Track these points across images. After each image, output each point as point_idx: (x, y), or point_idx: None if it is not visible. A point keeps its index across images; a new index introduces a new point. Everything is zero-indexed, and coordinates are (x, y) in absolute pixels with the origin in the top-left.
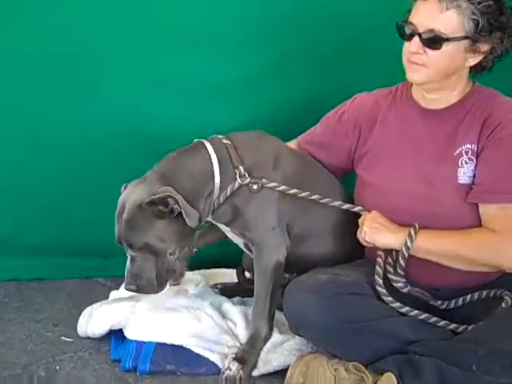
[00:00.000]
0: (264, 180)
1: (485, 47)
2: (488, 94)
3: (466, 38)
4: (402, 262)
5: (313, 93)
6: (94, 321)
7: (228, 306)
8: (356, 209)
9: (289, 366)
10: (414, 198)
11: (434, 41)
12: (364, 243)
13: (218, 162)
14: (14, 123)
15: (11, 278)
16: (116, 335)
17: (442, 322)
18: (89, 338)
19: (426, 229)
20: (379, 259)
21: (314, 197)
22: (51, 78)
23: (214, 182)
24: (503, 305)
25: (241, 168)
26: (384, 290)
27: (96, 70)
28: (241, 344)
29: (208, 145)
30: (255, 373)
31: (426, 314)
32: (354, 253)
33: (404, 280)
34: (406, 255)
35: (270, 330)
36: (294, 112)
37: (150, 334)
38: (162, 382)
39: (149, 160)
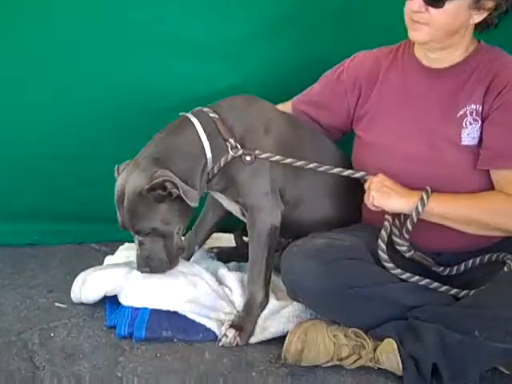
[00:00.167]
0: (257, 151)
1: (490, 3)
2: (494, 53)
3: None
4: (409, 226)
5: (306, 55)
6: (88, 287)
7: (224, 271)
8: (358, 174)
9: (287, 333)
10: (415, 159)
11: None
12: (372, 208)
13: (207, 137)
14: (10, 89)
15: (3, 244)
16: (111, 301)
17: (443, 288)
18: (83, 304)
19: (438, 193)
20: (386, 223)
21: (311, 165)
22: (49, 46)
23: (205, 157)
24: (505, 269)
25: (231, 140)
26: (386, 256)
27: (94, 31)
28: (237, 311)
29: (195, 120)
30: (252, 340)
31: (427, 280)
32: (350, 217)
33: (408, 244)
34: (415, 220)
35: (266, 295)
36: (286, 75)
37: (144, 300)
38: (159, 348)
39: (143, 120)
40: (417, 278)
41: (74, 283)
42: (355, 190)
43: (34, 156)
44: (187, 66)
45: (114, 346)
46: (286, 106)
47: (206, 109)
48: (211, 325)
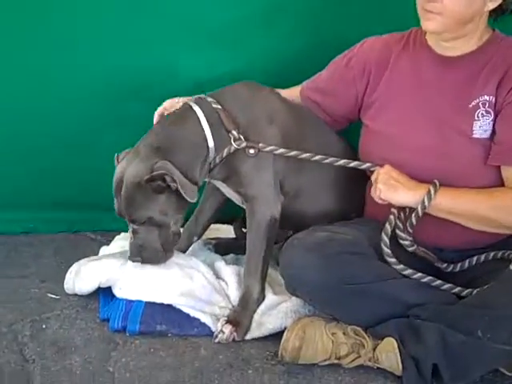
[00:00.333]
0: (261, 145)
1: None
2: (509, 42)
3: None
4: (414, 220)
5: (308, 40)
6: (82, 278)
7: (221, 264)
8: (365, 166)
9: (285, 329)
10: (424, 150)
11: None
12: (379, 201)
13: (210, 127)
14: (6, 78)
15: None
16: (105, 293)
17: (446, 285)
18: (76, 295)
19: (445, 186)
20: (391, 216)
21: (316, 157)
22: (47, 35)
23: (208, 148)
24: (511, 267)
25: (234, 132)
26: (389, 250)
27: (92, 19)
28: (233, 306)
29: (198, 110)
30: (249, 336)
31: (430, 277)
32: (352, 210)
33: (411, 238)
34: (421, 214)
35: (262, 290)
36: (288, 60)
37: (139, 293)
38: (152, 343)
39: (142, 107)
40: (419, 274)
41: (68, 274)
42: (358, 182)
43: (30, 144)
44: (186, 52)
45: (107, 339)
46: (293, 91)
47: (209, 99)
48: (206, 319)
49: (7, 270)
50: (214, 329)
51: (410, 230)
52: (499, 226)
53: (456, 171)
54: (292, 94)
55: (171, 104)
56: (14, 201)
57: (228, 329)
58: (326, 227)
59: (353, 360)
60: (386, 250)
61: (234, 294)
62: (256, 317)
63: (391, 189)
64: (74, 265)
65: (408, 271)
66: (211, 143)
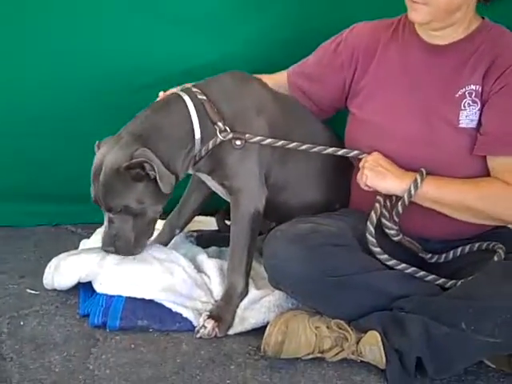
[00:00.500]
0: (248, 135)
1: None
2: (498, 31)
3: None
4: (400, 208)
5: (294, 28)
6: (61, 273)
7: (203, 258)
8: (353, 153)
9: (267, 323)
10: (410, 139)
11: None
12: (365, 188)
13: (198, 118)
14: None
15: None
16: (85, 288)
17: (430, 277)
18: (55, 290)
19: (433, 175)
20: (377, 205)
21: (304, 146)
22: (31, 25)
23: (194, 138)
24: (495, 258)
25: (220, 124)
26: (374, 240)
27: (70, 8)
28: (215, 300)
29: (186, 98)
30: (231, 331)
31: (414, 268)
32: (338, 201)
33: (397, 227)
34: (407, 202)
35: (246, 285)
36: (274, 48)
37: (119, 288)
38: (133, 339)
39: (124, 97)
40: (403, 265)
41: (47, 269)
42: (343, 173)
43: (7, 134)
44: (171, 40)
45: (87, 335)
46: (279, 77)
47: (194, 89)
48: (188, 314)
49: None
50: (195, 324)
51: (396, 219)
52: (486, 217)
53: (442, 160)
54: (277, 79)
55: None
56: None
57: (210, 324)
58: (310, 218)
59: (336, 354)
60: (371, 239)
61: (217, 289)
62: (239, 312)
63: (378, 176)
64: (53, 259)
65: (392, 262)
66: (198, 135)
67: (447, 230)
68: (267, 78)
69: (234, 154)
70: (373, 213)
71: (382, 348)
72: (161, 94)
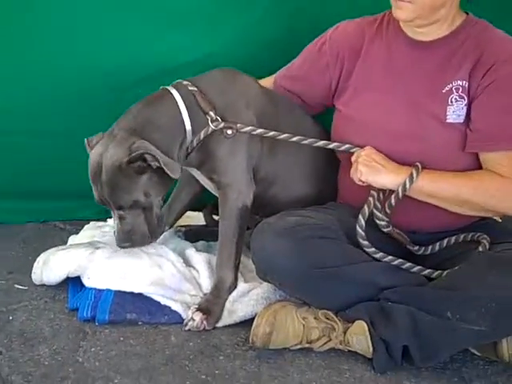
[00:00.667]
0: (239, 125)
1: None
2: (482, 26)
3: None
4: (393, 201)
5: (282, 25)
6: (50, 267)
7: (191, 252)
8: (344, 147)
9: (256, 315)
10: (398, 135)
11: None
12: (358, 183)
13: (187, 109)
14: None
15: None
16: (74, 283)
17: (416, 268)
18: (44, 285)
19: (428, 170)
20: (371, 199)
21: (294, 138)
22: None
23: (185, 130)
24: (480, 248)
25: (211, 113)
26: (363, 233)
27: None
28: (204, 294)
29: (174, 91)
30: (220, 324)
31: (400, 260)
32: (327, 195)
33: (388, 219)
34: (401, 196)
35: (235, 279)
36: (261, 45)
37: (108, 282)
38: (122, 332)
39: (110, 94)
40: (390, 257)
41: (35, 264)
42: (332, 167)
43: None
44: (157, 37)
45: (76, 329)
46: (267, 82)
47: (185, 82)
48: (176, 307)
49: None
50: (184, 316)
51: (388, 211)
52: (481, 209)
53: (431, 155)
54: (265, 84)
55: None
56: None
57: (198, 316)
58: (297, 211)
59: (324, 344)
60: (361, 232)
61: (206, 282)
62: (227, 305)
63: (373, 171)
64: (41, 254)
65: (379, 254)
66: (188, 125)
67: (435, 222)
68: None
69: (223, 146)
70: (366, 206)
71: (369, 337)
72: None
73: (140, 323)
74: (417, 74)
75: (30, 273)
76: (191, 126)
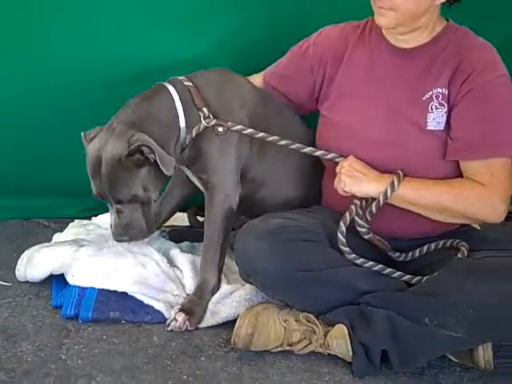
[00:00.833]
0: (230, 123)
1: None
2: (462, 33)
3: None
4: (374, 208)
5: (273, 24)
6: (34, 264)
7: (176, 252)
8: (330, 156)
9: (238, 317)
10: (380, 142)
11: None
12: (342, 193)
13: (182, 105)
14: None
15: None
16: (58, 280)
17: (397, 273)
18: (28, 282)
19: (410, 177)
20: (353, 207)
21: (283, 142)
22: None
23: (179, 126)
24: (459, 255)
25: (205, 110)
26: (344, 240)
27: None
28: (187, 294)
29: (170, 87)
30: (202, 324)
31: (381, 265)
32: (313, 198)
33: (369, 226)
34: (382, 204)
35: (219, 281)
36: (253, 44)
37: (92, 280)
38: (106, 330)
39: (101, 91)
40: (371, 263)
41: (19, 260)
42: (317, 171)
43: None
44: (150, 35)
45: (59, 327)
46: (257, 78)
47: (181, 77)
48: (159, 306)
49: None
50: (167, 316)
51: (369, 218)
52: (461, 217)
53: (411, 162)
54: (255, 80)
55: None
56: None
57: (181, 317)
58: (281, 214)
59: (304, 346)
60: (342, 239)
61: (189, 283)
62: (210, 306)
63: (355, 181)
64: (25, 251)
65: (360, 260)
66: (182, 122)
67: (416, 229)
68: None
69: (213, 146)
70: (347, 213)
71: (348, 341)
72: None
73: (123, 322)
74: (398, 81)
75: (14, 269)
76: (185, 122)
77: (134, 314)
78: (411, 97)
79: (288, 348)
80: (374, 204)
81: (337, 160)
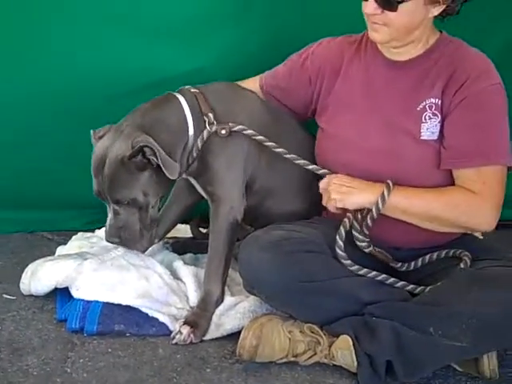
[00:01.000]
0: (231, 124)
1: None
2: (455, 45)
3: None
4: (369, 221)
5: (271, 37)
6: (38, 278)
7: (179, 264)
8: (321, 171)
9: (242, 329)
10: (376, 153)
11: (388, 2)
12: (336, 211)
13: (191, 113)
14: None
15: None
16: (62, 294)
17: (400, 283)
18: (32, 296)
19: (400, 186)
20: (346, 220)
21: (279, 149)
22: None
23: (188, 134)
24: (462, 265)
25: (210, 115)
26: (343, 254)
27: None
28: (191, 307)
29: (179, 96)
30: (207, 337)
31: (384, 275)
32: (313, 210)
33: (368, 240)
34: (375, 215)
35: (222, 293)
36: (250, 58)
37: (96, 294)
38: (111, 343)
39: (100, 106)
40: (374, 273)
41: (24, 274)
42: (318, 181)
43: None
44: (149, 48)
45: (64, 340)
46: (253, 83)
47: (187, 86)
48: (164, 319)
49: None
50: (172, 328)
51: (366, 232)
52: (452, 225)
53: (407, 172)
54: (250, 85)
55: None
56: None
57: (186, 330)
58: (283, 225)
59: (309, 357)
60: (341, 253)
61: (193, 295)
62: (214, 318)
63: (346, 195)
64: (30, 265)
65: (363, 271)
66: (191, 130)
67: (417, 239)
68: (240, 84)
69: (220, 159)
70: (341, 227)
71: (353, 352)
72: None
73: (128, 334)
74: (392, 93)
75: (18, 283)
76: (194, 130)
77: (139, 327)
78: (405, 107)
79: (293, 359)
80: (368, 217)
81: (326, 176)
